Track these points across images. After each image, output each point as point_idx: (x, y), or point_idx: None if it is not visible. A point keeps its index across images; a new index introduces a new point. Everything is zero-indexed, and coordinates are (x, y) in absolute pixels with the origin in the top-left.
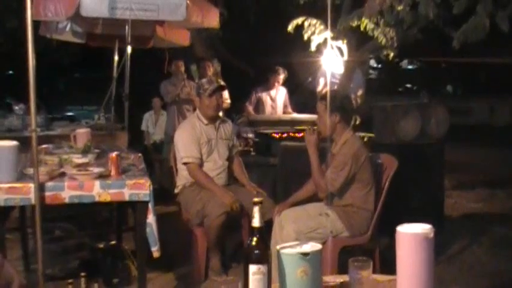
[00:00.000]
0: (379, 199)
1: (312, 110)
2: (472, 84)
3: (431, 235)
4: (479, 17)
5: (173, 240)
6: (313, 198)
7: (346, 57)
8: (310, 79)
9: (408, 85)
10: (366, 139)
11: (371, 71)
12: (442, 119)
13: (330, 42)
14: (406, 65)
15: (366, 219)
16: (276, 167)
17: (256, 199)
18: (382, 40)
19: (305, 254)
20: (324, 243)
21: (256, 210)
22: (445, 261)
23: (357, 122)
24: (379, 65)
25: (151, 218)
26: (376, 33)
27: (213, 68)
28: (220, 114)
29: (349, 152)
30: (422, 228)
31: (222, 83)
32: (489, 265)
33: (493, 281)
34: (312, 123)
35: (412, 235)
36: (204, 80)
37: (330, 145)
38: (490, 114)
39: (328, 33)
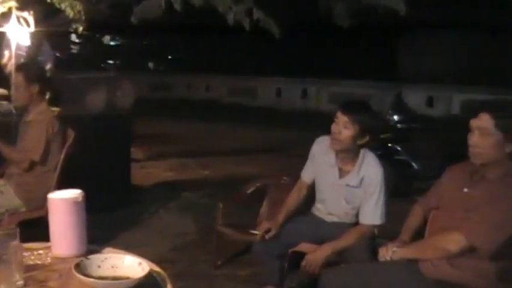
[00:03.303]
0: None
1: None
2: (172, 61)
3: (80, 199)
4: None
5: None
6: None
7: (32, 28)
8: None
9: (110, 61)
10: (55, 113)
11: (72, 46)
12: (128, 92)
13: (14, 12)
14: (108, 40)
15: (46, 193)
16: None
17: None
18: (70, 13)
19: None
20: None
21: None
22: (134, 227)
23: (47, 96)
24: (80, 40)
25: None
26: (63, 5)
27: None
28: None
29: (44, 119)
30: (72, 193)
31: None
32: (175, 228)
33: (177, 242)
34: None
35: (61, 200)
36: None
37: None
38: (187, 89)
39: (13, 3)
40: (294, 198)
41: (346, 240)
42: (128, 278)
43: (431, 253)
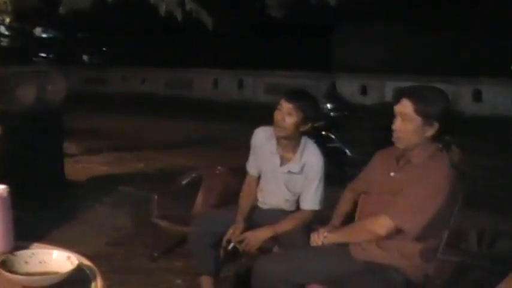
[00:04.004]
0: None
1: None
2: (107, 54)
3: (5, 195)
4: None
5: None
6: None
7: None
8: None
9: (43, 54)
10: None
11: (2, 39)
12: (60, 85)
13: None
14: (40, 33)
15: None
16: None
17: None
18: None
19: None
20: None
21: None
22: (69, 223)
23: None
24: (9, 32)
25: None
26: None
27: None
28: None
29: None
30: None
31: None
32: (111, 222)
33: (114, 236)
34: None
35: None
36: None
37: None
38: (123, 82)
39: None
40: (245, 195)
41: (287, 224)
42: (56, 273)
43: (361, 236)
